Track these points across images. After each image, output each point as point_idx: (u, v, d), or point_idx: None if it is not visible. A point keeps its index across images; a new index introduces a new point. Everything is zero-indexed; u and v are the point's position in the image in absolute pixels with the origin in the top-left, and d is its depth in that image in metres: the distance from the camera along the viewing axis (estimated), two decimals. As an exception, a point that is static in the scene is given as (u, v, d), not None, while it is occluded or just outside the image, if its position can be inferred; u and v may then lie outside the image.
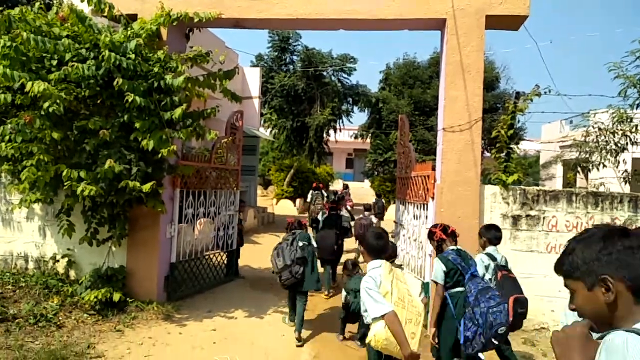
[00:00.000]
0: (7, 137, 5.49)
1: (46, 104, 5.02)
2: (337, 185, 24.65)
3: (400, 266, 5.93)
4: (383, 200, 13.60)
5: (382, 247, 3.16)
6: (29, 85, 4.94)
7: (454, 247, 4.13)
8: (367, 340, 3.02)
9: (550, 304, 5.67)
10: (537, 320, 5.70)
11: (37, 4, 5.78)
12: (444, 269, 3.97)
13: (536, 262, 5.69)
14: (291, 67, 19.84)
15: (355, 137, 23.05)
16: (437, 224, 4.41)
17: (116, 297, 5.67)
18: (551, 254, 5.67)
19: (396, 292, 2.94)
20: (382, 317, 2.83)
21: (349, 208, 10.76)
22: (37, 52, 5.27)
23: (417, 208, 6.44)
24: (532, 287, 5.66)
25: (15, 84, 5.15)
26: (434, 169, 6.04)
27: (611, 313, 1.23)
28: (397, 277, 3.07)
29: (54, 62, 5.34)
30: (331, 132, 20.25)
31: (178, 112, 5.33)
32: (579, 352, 1.20)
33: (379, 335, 2.85)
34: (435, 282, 4.02)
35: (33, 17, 5.39)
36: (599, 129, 7.81)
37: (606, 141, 7.81)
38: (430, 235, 4.23)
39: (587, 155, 8.37)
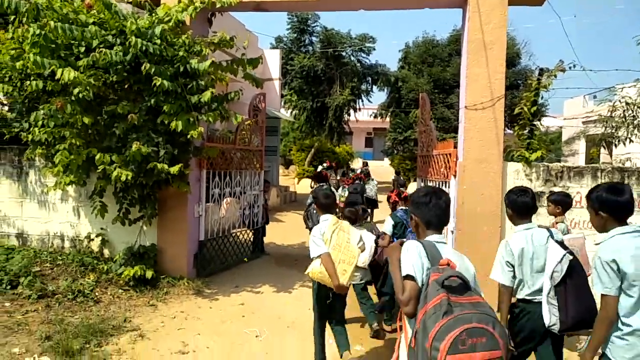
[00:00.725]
0: (40, 123, 5.70)
1: (76, 90, 5.18)
2: (356, 164, 24.68)
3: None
4: (402, 177, 13.60)
5: (329, 205, 4.00)
6: (59, 73, 5.08)
7: (404, 208, 5.46)
8: (306, 272, 3.88)
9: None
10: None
11: (64, -9, 5.90)
12: (392, 222, 5.43)
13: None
14: (310, 48, 19.78)
15: (375, 117, 22.98)
16: (394, 189, 5.41)
17: (149, 274, 5.92)
18: (575, 229, 5.68)
19: (335, 239, 3.78)
20: (319, 256, 3.70)
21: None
22: (66, 40, 5.39)
23: (439, 186, 6.49)
24: (555, 263, 5.72)
25: (45, 71, 5.29)
26: (455, 147, 6.06)
27: (417, 232, 2.44)
28: (341, 229, 3.88)
29: (82, 49, 5.48)
30: (351, 111, 20.23)
31: (207, 95, 5.44)
32: (394, 252, 2.35)
33: (315, 269, 3.75)
34: (384, 233, 4.96)
35: (60, 5, 5.49)
36: (627, 103, 7.67)
37: (634, 116, 7.67)
38: (388, 198, 5.39)
39: (613, 130, 8.24)
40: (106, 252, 6.68)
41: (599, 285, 2.43)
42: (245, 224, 7.83)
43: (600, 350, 2.51)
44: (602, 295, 2.43)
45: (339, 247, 3.77)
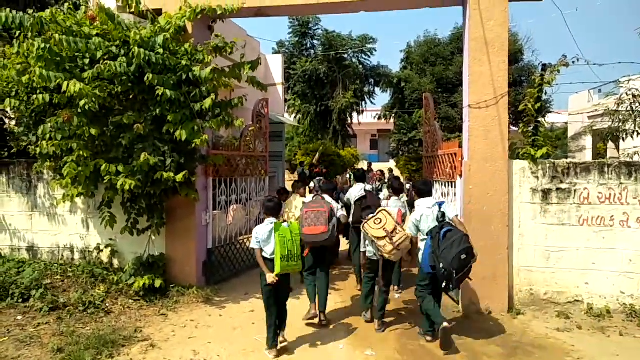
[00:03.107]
0: (47, 136, 5.75)
1: (82, 102, 5.21)
2: (362, 166, 24.63)
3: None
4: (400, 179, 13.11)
5: (272, 208, 4.75)
6: (65, 85, 5.13)
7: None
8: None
9: (583, 276, 5.66)
10: (571, 293, 5.71)
11: (67, 5, 5.96)
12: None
13: (568, 235, 5.67)
14: (312, 51, 19.86)
15: (379, 118, 22.93)
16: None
17: (158, 283, 5.95)
18: (583, 226, 5.64)
19: (281, 241, 4.51)
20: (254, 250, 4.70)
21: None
22: (70, 52, 5.44)
23: (446, 186, 6.47)
24: (565, 260, 5.68)
25: (51, 85, 5.33)
26: (460, 146, 6.04)
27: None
28: (287, 234, 4.59)
29: (87, 61, 5.53)
30: (354, 114, 20.24)
31: (208, 102, 5.48)
32: None
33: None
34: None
35: (63, 18, 5.56)
36: (633, 95, 7.60)
37: (641, 108, 7.59)
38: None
39: (620, 124, 8.17)
40: (116, 262, 6.72)
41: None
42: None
43: None
44: None
45: (281, 244, 4.52)
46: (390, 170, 16.78)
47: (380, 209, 5.21)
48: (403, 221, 5.80)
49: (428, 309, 4.82)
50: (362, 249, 5.41)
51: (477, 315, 5.67)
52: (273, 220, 4.66)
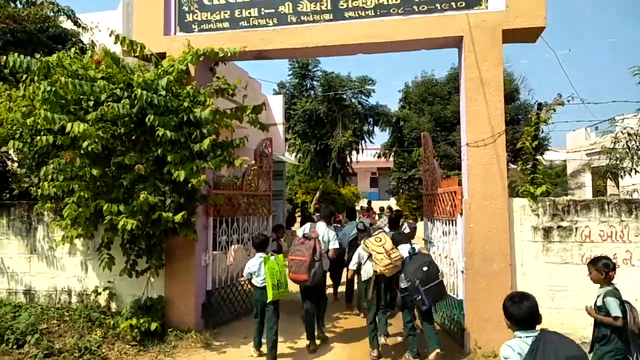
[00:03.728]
0: (49, 177, 5.77)
1: (85, 143, 5.27)
2: (362, 204, 24.62)
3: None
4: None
5: (259, 244, 5.68)
6: (69, 127, 5.20)
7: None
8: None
9: (588, 317, 5.52)
10: (577, 334, 5.56)
11: (73, 49, 6.14)
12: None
13: (572, 274, 5.60)
14: (312, 92, 20.23)
15: (378, 156, 23.16)
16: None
17: (153, 326, 5.83)
18: (587, 265, 5.57)
19: (270, 273, 5.29)
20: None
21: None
22: (75, 95, 5.56)
23: (446, 224, 6.44)
24: (570, 300, 5.58)
25: (55, 126, 5.42)
26: (460, 184, 6.06)
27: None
28: (275, 266, 5.36)
29: (91, 103, 5.63)
30: (354, 152, 20.41)
31: (207, 142, 5.54)
32: None
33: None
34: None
35: (70, 62, 5.71)
36: (629, 133, 7.69)
37: (637, 146, 7.67)
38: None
39: (618, 162, 8.23)
40: (113, 305, 6.60)
41: None
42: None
43: None
44: None
45: (271, 276, 5.28)
46: (390, 208, 16.86)
47: (379, 230, 6.02)
48: None
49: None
50: (351, 267, 6.10)
51: (483, 359, 5.52)
52: (262, 254, 5.51)
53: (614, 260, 5.47)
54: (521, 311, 2.76)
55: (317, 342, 6.02)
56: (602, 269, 4.00)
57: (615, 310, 3.76)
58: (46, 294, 6.95)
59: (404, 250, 5.60)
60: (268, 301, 5.27)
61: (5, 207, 7.20)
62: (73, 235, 5.98)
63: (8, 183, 7.52)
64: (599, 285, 4.09)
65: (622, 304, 3.85)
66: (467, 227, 5.75)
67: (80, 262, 6.85)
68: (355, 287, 7.42)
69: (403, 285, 5.50)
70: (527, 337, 2.68)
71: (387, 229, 6.78)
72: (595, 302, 4.04)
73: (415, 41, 6.15)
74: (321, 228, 6.30)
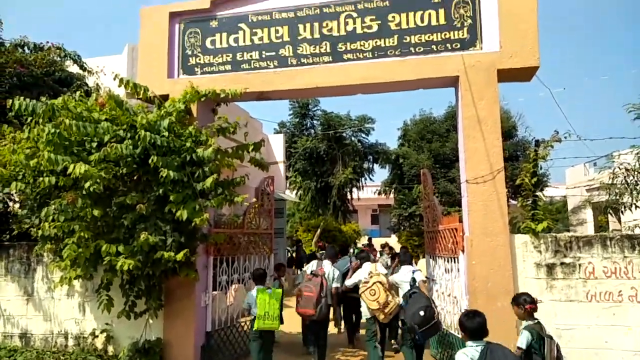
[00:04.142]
0: (50, 217, 5.79)
1: (87, 184, 5.31)
2: (363, 242, 24.47)
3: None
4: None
5: (257, 277, 5.98)
6: (71, 168, 5.27)
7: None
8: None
9: (597, 356, 5.42)
10: (586, 373, 5.44)
11: (79, 92, 6.28)
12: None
13: (577, 312, 5.51)
14: (312, 131, 20.47)
15: (379, 193, 23.13)
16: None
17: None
18: (592, 302, 5.50)
19: (261, 303, 5.63)
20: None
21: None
22: (79, 137, 5.64)
23: (448, 262, 6.39)
24: (577, 339, 5.47)
25: (58, 168, 5.48)
26: (461, 221, 6.06)
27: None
28: (265, 297, 5.67)
29: (94, 144, 5.71)
30: (354, 189, 20.45)
31: (209, 181, 5.58)
32: None
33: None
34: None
35: (74, 105, 5.83)
36: (626, 169, 7.74)
37: (636, 181, 7.71)
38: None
39: (617, 197, 8.24)
40: (110, 349, 6.46)
41: None
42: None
43: None
44: None
45: (262, 307, 5.63)
46: (390, 247, 16.81)
47: (374, 279, 6.08)
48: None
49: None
50: (335, 284, 6.79)
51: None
52: (259, 287, 5.85)
53: (619, 297, 5.45)
54: (474, 325, 3.43)
55: None
56: (522, 304, 4.28)
57: (521, 342, 4.06)
58: (42, 338, 6.81)
59: (406, 273, 6.28)
60: (254, 329, 5.65)
61: (4, 248, 7.17)
62: (72, 277, 5.93)
63: (9, 224, 7.51)
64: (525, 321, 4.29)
65: (542, 338, 4.04)
66: (469, 265, 5.70)
67: (78, 303, 6.75)
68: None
69: (402, 318, 6.11)
70: (477, 346, 3.36)
71: (383, 269, 6.72)
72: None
73: (413, 81, 6.30)
74: (327, 266, 6.86)
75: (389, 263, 10.57)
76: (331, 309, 7.05)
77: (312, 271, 6.59)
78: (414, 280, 6.05)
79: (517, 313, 4.35)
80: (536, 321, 4.22)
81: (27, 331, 6.89)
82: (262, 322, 5.59)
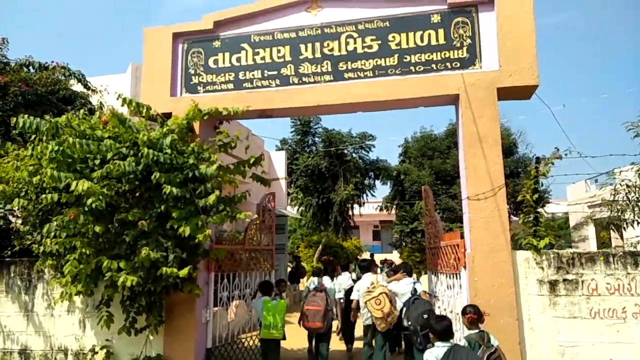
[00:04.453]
0: (52, 234, 5.80)
1: (90, 201, 5.32)
2: (365, 257, 24.36)
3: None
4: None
5: (263, 288, 6.57)
6: (74, 185, 5.30)
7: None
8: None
9: (603, 373, 5.36)
10: (591, 392, 5.37)
11: (82, 110, 6.36)
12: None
13: (581, 329, 5.47)
14: (314, 148, 20.58)
15: (380, 210, 23.12)
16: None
17: (152, 388, 5.64)
18: (595, 319, 5.46)
19: (267, 314, 6.26)
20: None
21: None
22: (82, 154, 5.67)
23: (450, 278, 6.37)
24: (581, 356, 5.42)
25: (61, 185, 5.51)
26: (462, 237, 6.06)
27: None
28: (271, 308, 6.29)
29: (97, 161, 5.75)
30: (355, 206, 20.45)
31: (212, 198, 5.60)
32: None
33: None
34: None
35: (78, 123, 5.89)
36: (627, 186, 7.76)
37: (637, 198, 7.71)
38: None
39: (619, 214, 8.23)
40: (110, 365, 6.41)
41: None
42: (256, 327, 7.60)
43: None
44: None
45: (269, 318, 6.24)
46: (387, 262, 16.80)
47: (380, 290, 6.60)
48: None
49: None
50: (338, 295, 7.97)
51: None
52: (265, 297, 6.35)
53: (623, 314, 5.41)
54: (442, 327, 4.08)
55: None
56: (465, 314, 4.69)
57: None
58: (42, 354, 6.77)
59: (407, 284, 6.68)
60: (259, 337, 6.26)
61: (5, 264, 7.17)
62: (72, 292, 5.91)
63: (10, 240, 7.53)
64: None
65: (480, 346, 4.32)
66: (471, 281, 5.69)
67: (78, 320, 6.72)
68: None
69: (405, 324, 6.29)
70: (443, 346, 3.88)
71: (384, 282, 7.12)
72: None
73: (413, 99, 6.37)
74: (328, 282, 7.49)
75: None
76: (334, 321, 7.59)
77: (315, 287, 7.17)
78: (415, 290, 6.49)
79: (464, 322, 4.74)
80: (478, 331, 4.54)
81: (26, 347, 6.85)
82: (266, 331, 6.10)
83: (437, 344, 3.96)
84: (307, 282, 8.06)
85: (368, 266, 7.67)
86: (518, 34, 6.04)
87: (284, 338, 6.43)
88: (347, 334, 8.47)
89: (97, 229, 5.49)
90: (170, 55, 7.03)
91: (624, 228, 8.16)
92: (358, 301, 7.18)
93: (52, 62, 9.77)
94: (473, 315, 4.61)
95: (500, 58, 6.06)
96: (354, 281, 8.43)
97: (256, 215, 7.69)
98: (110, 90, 8.55)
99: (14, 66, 9.30)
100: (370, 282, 6.96)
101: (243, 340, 7.35)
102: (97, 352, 6.46)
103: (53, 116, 6.08)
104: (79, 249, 5.62)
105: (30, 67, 9.63)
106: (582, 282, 5.57)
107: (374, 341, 6.99)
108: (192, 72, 7.02)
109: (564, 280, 5.62)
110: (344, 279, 8.43)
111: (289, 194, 18.99)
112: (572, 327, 5.50)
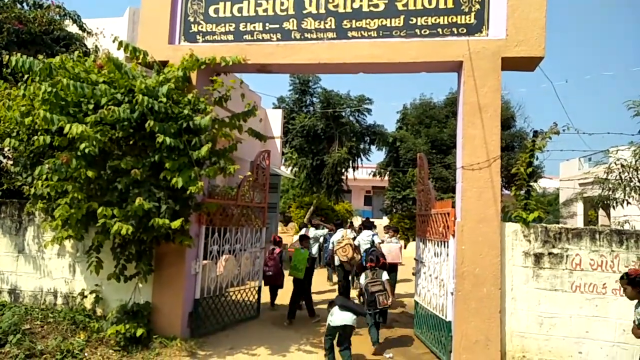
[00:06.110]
0: (44, 177, 5.75)
1: (82, 145, 5.27)
2: (356, 222, 24.63)
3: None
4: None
5: (300, 239, 8.27)
6: (67, 128, 5.22)
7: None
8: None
9: (577, 345, 5.55)
10: (564, 361, 5.57)
11: (77, 52, 6.17)
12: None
13: (561, 301, 5.62)
14: (311, 108, 20.38)
15: (374, 175, 23.21)
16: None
17: (139, 332, 5.76)
18: (576, 293, 5.59)
19: (294, 258, 8.03)
20: None
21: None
22: (75, 97, 5.58)
23: (438, 245, 6.46)
24: (559, 327, 5.59)
25: (53, 127, 5.43)
26: (453, 206, 6.10)
27: None
28: (298, 254, 8.04)
29: (91, 106, 5.64)
30: (349, 169, 20.49)
31: (205, 149, 5.55)
32: None
33: None
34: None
35: (72, 65, 5.74)
36: (622, 165, 7.79)
37: (630, 178, 7.76)
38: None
39: (610, 192, 8.31)
40: (99, 310, 6.53)
41: None
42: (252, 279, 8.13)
43: None
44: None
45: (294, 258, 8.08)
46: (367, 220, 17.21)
47: (346, 241, 8.39)
48: None
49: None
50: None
51: (468, 381, 5.50)
52: (298, 248, 8.16)
53: (603, 290, 5.55)
54: (374, 257, 6.76)
55: None
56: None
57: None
58: (31, 295, 6.87)
59: (368, 237, 9.11)
60: (287, 274, 8.11)
61: (-4, 204, 7.15)
62: (63, 236, 5.94)
63: (0, 180, 7.48)
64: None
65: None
66: (459, 249, 5.77)
67: (68, 264, 6.79)
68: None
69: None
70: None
71: (351, 234, 9.56)
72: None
73: (416, 64, 6.25)
74: (312, 231, 10.46)
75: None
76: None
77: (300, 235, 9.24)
78: (373, 242, 8.68)
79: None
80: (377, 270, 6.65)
81: (16, 287, 6.94)
82: (292, 271, 7.85)
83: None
84: (334, 236, 10.16)
85: (370, 225, 9.90)
86: (529, 2, 5.88)
87: (302, 278, 7.91)
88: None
89: (90, 174, 5.45)
90: (170, 1, 6.79)
91: (614, 207, 8.26)
92: (333, 247, 9.34)
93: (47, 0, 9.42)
94: (371, 263, 6.63)
95: (508, 26, 5.93)
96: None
97: (250, 172, 7.67)
98: (107, 34, 8.29)
99: (7, 2, 8.95)
100: (341, 235, 9.12)
101: (231, 293, 7.49)
102: (86, 296, 6.56)
103: (46, 57, 5.92)
104: (71, 194, 5.59)
105: (24, 4, 9.28)
106: (567, 256, 5.67)
107: (357, 300, 8.31)
108: (192, 19, 6.81)
109: (549, 253, 5.72)
110: (337, 235, 10.01)
111: (283, 153, 18.91)
112: (553, 299, 5.64)
